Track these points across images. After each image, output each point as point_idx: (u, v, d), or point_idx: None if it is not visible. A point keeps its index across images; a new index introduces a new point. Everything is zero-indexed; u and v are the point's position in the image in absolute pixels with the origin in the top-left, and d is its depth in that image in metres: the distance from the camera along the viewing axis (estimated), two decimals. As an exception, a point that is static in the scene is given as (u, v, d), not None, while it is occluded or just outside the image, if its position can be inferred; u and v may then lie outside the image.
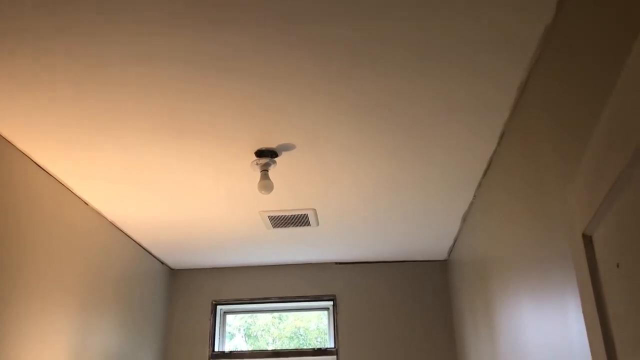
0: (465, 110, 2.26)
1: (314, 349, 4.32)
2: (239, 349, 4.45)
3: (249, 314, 4.73)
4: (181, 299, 4.40)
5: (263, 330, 4.70)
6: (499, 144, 2.53)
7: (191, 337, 4.29)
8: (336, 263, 4.43)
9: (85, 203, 3.11)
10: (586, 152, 1.10)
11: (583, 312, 1.10)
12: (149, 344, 3.94)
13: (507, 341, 2.67)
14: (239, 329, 4.64)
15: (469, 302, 3.57)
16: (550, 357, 2.01)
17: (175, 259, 4.21)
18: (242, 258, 4.24)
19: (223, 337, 4.44)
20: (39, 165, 2.67)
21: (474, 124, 2.37)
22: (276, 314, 4.74)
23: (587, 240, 1.07)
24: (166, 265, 4.34)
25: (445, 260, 4.36)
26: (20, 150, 2.53)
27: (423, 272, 4.37)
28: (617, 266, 0.94)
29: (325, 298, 4.39)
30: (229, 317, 4.57)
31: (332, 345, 4.28)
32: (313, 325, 4.60)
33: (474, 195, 3.11)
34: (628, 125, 0.85)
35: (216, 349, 4.32)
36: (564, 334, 1.86)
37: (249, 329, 4.66)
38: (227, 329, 4.50)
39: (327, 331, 4.40)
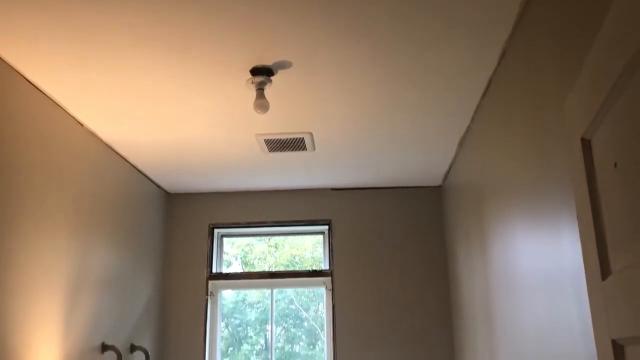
0: (465, 29, 2.21)
1: (309, 270, 4.42)
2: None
3: (246, 242, 4.81)
4: (178, 223, 4.45)
5: (259, 258, 4.79)
6: (499, 63, 2.49)
7: (189, 260, 4.38)
8: (332, 189, 4.46)
9: (80, 123, 3.08)
10: (586, 60, 1.08)
11: (578, 216, 1.12)
12: (147, 267, 4.02)
13: (499, 265, 2.73)
14: (236, 257, 4.73)
15: (462, 227, 3.63)
16: (543, 280, 2.06)
17: (172, 183, 4.23)
18: (239, 183, 4.26)
19: (220, 260, 4.54)
20: (30, 82, 2.62)
21: (475, 43, 2.32)
22: (272, 243, 4.82)
23: (586, 144, 1.07)
24: (162, 189, 4.36)
25: (440, 186, 4.40)
26: (11, 66, 2.47)
27: (418, 198, 4.41)
28: (615, 166, 0.94)
29: (320, 222, 4.45)
30: (226, 244, 4.64)
31: (327, 267, 4.38)
32: (308, 254, 4.69)
33: (472, 119, 3.10)
34: (628, 29, 0.83)
35: (214, 271, 4.42)
36: (557, 258, 1.90)
37: (246, 257, 4.75)
38: (225, 257, 4.58)
39: (322, 259, 4.49)
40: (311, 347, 4.52)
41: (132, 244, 3.75)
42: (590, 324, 1.58)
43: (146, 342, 3.86)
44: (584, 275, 1.63)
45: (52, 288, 2.75)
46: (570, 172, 1.13)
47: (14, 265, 2.45)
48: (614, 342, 1.00)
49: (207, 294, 4.31)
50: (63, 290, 2.85)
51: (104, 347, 3.23)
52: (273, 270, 4.50)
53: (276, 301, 4.51)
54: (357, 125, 3.18)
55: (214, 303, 4.38)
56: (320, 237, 4.60)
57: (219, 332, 4.37)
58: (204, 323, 4.24)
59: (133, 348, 3.62)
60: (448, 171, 4.02)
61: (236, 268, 4.78)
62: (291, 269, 4.69)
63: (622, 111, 0.93)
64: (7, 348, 2.38)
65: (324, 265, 4.45)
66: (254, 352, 4.54)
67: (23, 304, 2.50)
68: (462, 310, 3.70)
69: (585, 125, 1.06)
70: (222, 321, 4.49)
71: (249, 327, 4.61)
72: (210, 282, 4.36)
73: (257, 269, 4.95)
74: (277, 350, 4.46)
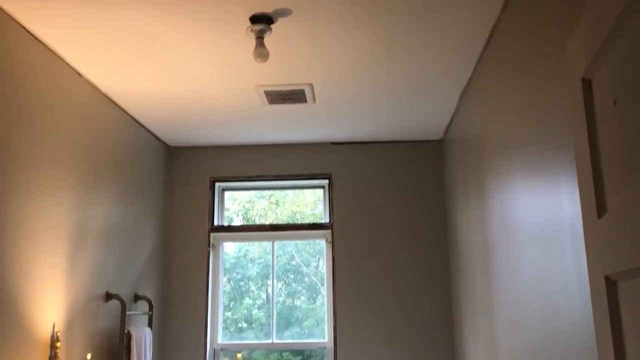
0: (469, -28, 2.17)
1: (309, 223, 4.47)
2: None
3: (247, 199, 4.83)
4: (179, 176, 4.47)
5: (260, 215, 4.82)
6: (501, 13, 2.45)
7: (190, 213, 4.42)
8: (332, 143, 4.46)
9: (79, 74, 3.06)
10: (586, 3, 1.07)
11: (576, 156, 1.13)
12: (150, 219, 4.06)
13: (497, 216, 2.75)
14: (237, 213, 4.76)
15: (462, 180, 3.64)
16: (540, 230, 2.08)
17: (172, 136, 4.23)
18: (239, 136, 4.26)
19: (222, 213, 4.58)
20: (29, 32, 2.59)
21: (478, -11, 2.28)
22: (273, 200, 4.85)
23: (586, 84, 1.06)
24: (163, 142, 4.36)
25: (440, 140, 4.39)
26: (10, 16, 2.44)
27: (418, 152, 4.42)
28: (614, 104, 0.95)
29: (321, 177, 4.47)
30: (227, 201, 4.67)
31: (327, 221, 4.42)
32: (309, 211, 4.72)
33: (474, 70, 3.07)
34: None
35: (215, 224, 4.46)
36: (554, 208, 1.91)
37: (247, 213, 4.78)
38: (226, 213, 4.62)
39: (322, 216, 4.52)
40: (312, 301, 4.60)
41: (133, 196, 3.77)
42: (586, 271, 1.61)
43: (150, 292, 3.93)
44: (581, 225, 1.65)
45: (55, 239, 2.79)
46: (570, 113, 1.13)
47: (15, 216, 2.48)
48: (607, 278, 1.02)
49: (209, 246, 4.37)
50: (66, 241, 2.89)
51: (108, 296, 3.29)
52: (275, 229, 4.54)
53: (277, 257, 4.57)
54: (358, 76, 3.15)
55: (216, 255, 4.44)
56: (321, 194, 4.63)
57: (221, 284, 4.45)
58: (207, 275, 4.31)
59: (137, 297, 3.69)
60: (449, 125, 4.01)
61: (238, 223, 4.82)
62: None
63: (622, 50, 0.93)
64: (14, 297, 2.43)
65: (325, 219, 4.49)
66: (256, 305, 4.62)
67: (27, 255, 2.54)
68: (461, 261, 3.76)
69: (586, 65, 1.06)
70: (225, 276, 4.57)
71: (250, 282, 4.69)
72: (212, 235, 4.41)
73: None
74: (279, 304, 4.54)
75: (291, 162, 4.46)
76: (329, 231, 4.37)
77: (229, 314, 4.54)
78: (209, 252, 4.36)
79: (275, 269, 4.50)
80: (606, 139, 0.98)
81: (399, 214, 4.33)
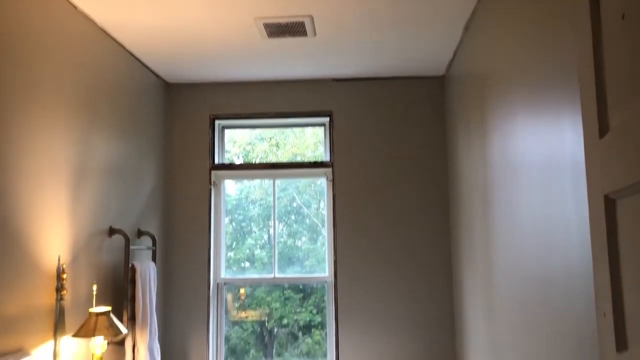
0: None
1: (310, 162, 4.47)
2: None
3: (248, 141, 4.81)
4: (179, 114, 4.44)
5: (261, 158, 4.81)
6: (509, -63, 2.36)
7: (191, 150, 4.41)
8: (333, 79, 4.40)
9: (74, 6, 2.98)
10: None
11: (579, 75, 1.10)
12: (150, 156, 4.06)
13: (498, 153, 2.74)
14: (237, 155, 4.75)
15: (464, 117, 3.61)
16: (541, 168, 2.07)
17: (171, 72, 4.17)
18: (239, 72, 4.20)
19: (222, 151, 4.57)
20: (18, -41, 2.50)
21: None
22: (273, 142, 4.83)
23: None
24: (161, 79, 4.30)
25: (442, 76, 4.33)
26: (-4, -60, 2.35)
27: (420, 88, 4.36)
28: (622, 17, 0.92)
29: (321, 114, 4.44)
30: (227, 144, 4.65)
31: (328, 159, 4.42)
32: (309, 152, 4.71)
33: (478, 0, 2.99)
34: None
35: (216, 162, 4.47)
36: (556, 145, 1.90)
37: (247, 155, 4.77)
38: (226, 155, 4.61)
39: (323, 158, 4.51)
40: (312, 242, 4.66)
41: (133, 133, 3.76)
42: (585, 205, 1.62)
43: (152, 228, 3.98)
44: (582, 161, 1.65)
45: (56, 176, 2.79)
46: (575, 30, 1.10)
47: (16, 154, 2.47)
48: (606, 197, 1.02)
49: (210, 184, 4.39)
50: (67, 178, 2.90)
51: (112, 231, 3.33)
52: (275, 168, 4.54)
53: (278, 199, 4.60)
54: (359, 8, 3.07)
55: (217, 193, 4.47)
56: (321, 136, 4.61)
57: (224, 222, 4.50)
58: (208, 212, 4.35)
59: (140, 233, 3.74)
60: (452, 60, 3.94)
61: (238, 164, 4.84)
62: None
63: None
64: (19, 232, 2.46)
65: (325, 157, 4.49)
66: (258, 246, 4.69)
67: (30, 191, 2.55)
68: (460, 197, 3.78)
69: (595, -20, 1.02)
70: (226, 217, 4.61)
71: (252, 223, 4.74)
72: (213, 173, 4.43)
73: (259, 166, 4.99)
74: (280, 245, 4.60)
75: (292, 99, 4.42)
76: (330, 169, 4.38)
77: (231, 253, 4.62)
78: (210, 189, 4.38)
79: (276, 211, 4.54)
80: (612, 55, 0.96)
81: (400, 151, 4.32)
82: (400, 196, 4.27)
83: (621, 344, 0.99)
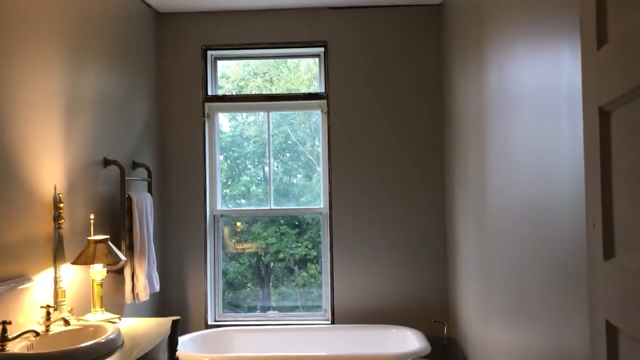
0: None
1: (305, 93, 4.42)
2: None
3: (241, 77, 4.73)
4: (170, 44, 4.35)
5: (255, 92, 4.74)
6: None
7: (183, 82, 4.35)
8: (328, 8, 4.29)
9: None
10: None
11: (580, -13, 1.08)
12: (142, 88, 4.01)
13: (495, 85, 2.72)
14: (231, 91, 4.68)
15: (461, 47, 3.56)
16: (538, 99, 2.06)
17: (161, 0, 4.05)
18: (231, 0, 4.09)
19: (215, 83, 4.51)
20: None
21: None
22: (267, 77, 4.75)
23: None
24: (152, 8, 4.19)
25: (440, 5, 4.23)
26: None
27: (416, 17, 4.27)
28: None
29: (316, 44, 4.36)
30: (220, 79, 4.57)
31: (323, 90, 4.38)
32: (304, 88, 4.65)
33: None
34: None
35: (209, 94, 4.42)
36: (553, 77, 1.88)
37: (241, 91, 4.71)
38: (219, 91, 4.54)
39: (318, 92, 4.45)
40: (308, 179, 4.68)
41: (124, 64, 3.70)
42: (580, 133, 1.62)
43: (147, 160, 3.98)
44: (579, 94, 1.63)
45: (48, 108, 2.76)
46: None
47: (5, 87, 2.43)
48: (600, 109, 1.03)
49: (203, 116, 4.36)
50: (59, 109, 2.86)
51: (107, 162, 3.33)
52: (269, 100, 4.48)
53: (273, 136, 4.57)
54: None
55: (211, 126, 4.44)
56: (316, 70, 4.54)
57: (218, 155, 4.50)
58: (203, 145, 4.34)
59: (135, 165, 3.74)
60: (449, -13, 3.84)
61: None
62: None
63: None
64: (14, 162, 2.46)
65: (320, 88, 4.44)
66: (253, 183, 4.70)
67: (22, 122, 2.53)
68: (456, 128, 3.78)
69: None
70: (221, 154, 4.60)
71: (247, 160, 4.73)
72: (207, 105, 4.39)
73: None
74: (275, 182, 4.62)
75: (286, 29, 4.33)
76: (325, 101, 4.34)
77: (227, 190, 4.64)
78: (204, 122, 4.36)
79: (271, 147, 4.53)
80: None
81: (396, 82, 4.28)
82: (395, 127, 4.27)
83: (608, 252, 1.02)
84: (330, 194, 4.28)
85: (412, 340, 3.72)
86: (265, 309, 4.58)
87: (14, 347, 2.17)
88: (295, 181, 4.71)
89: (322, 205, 4.42)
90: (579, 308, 1.65)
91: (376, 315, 4.18)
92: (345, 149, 4.28)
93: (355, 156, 4.27)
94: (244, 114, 4.76)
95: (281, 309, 4.55)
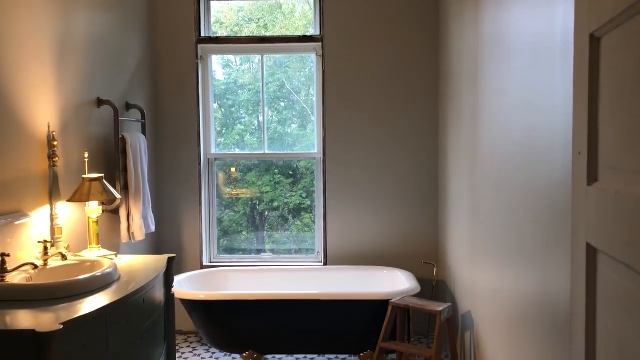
0: None
1: (299, 35, 4.37)
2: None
3: (235, 23, 4.64)
4: (162, -17, 4.26)
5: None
6: None
7: (176, 23, 4.28)
8: (324, -52, 4.19)
9: None
10: None
11: None
12: (135, 29, 3.94)
13: (491, 29, 2.69)
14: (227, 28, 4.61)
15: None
16: (533, 44, 2.05)
17: (152, -63, 3.94)
18: (224, -62, 3.98)
19: (209, 25, 4.44)
20: None
21: None
22: (261, 23, 4.66)
23: None
24: (143, -55, 4.08)
25: (438, -54, 4.13)
26: None
27: (414, -42, 4.18)
28: None
29: (311, -15, 4.27)
30: (214, 24, 4.49)
31: (318, 33, 4.32)
32: (299, 34, 4.57)
33: None
34: None
35: (202, 35, 4.36)
36: (548, 21, 1.86)
37: (237, 35, 4.62)
38: (213, 29, 4.47)
39: (312, 35, 4.39)
40: (302, 128, 4.67)
41: (116, 4, 3.63)
42: (570, 81, 1.63)
43: (141, 102, 3.96)
44: (572, 39, 1.62)
45: (39, 48, 2.72)
46: None
47: (-4, 8, 2.39)
48: (591, 36, 1.03)
49: (197, 58, 4.31)
50: (50, 49, 2.83)
51: (100, 102, 3.32)
52: (264, 42, 4.41)
53: (267, 84, 4.53)
54: None
55: (205, 68, 4.40)
56: (311, 16, 4.46)
57: (212, 99, 4.47)
58: (196, 87, 4.31)
59: (129, 106, 3.73)
60: None
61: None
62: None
63: None
64: (7, 100, 2.44)
65: (315, 30, 4.38)
66: (248, 132, 4.69)
67: (13, 62, 2.50)
68: (450, 73, 3.77)
69: None
70: (215, 102, 4.56)
71: (241, 109, 4.70)
72: (200, 46, 4.33)
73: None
74: (270, 131, 4.60)
75: (280, -31, 4.23)
76: (319, 44, 4.29)
77: (221, 139, 4.63)
78: (197, 64, 4.31)
79: (265, 96, 4.50)
80: None
81: (391, 26, 4.22)
82: (390, 70, 4.24)
83: (592, 177, 1.05)
84: (324, 139, 4.29)
85: (402, 280, 3.82)
86: (259, 252, 4.67)
87: (13, 279, 2.23)
88: (290, 131, 4.70)
89: (316, 151, 4.43)
90: (564, 247, 1.69)
91: (368, 258, 4.28)
92: (339, 94, 4.26)
93: (349, 101, 4.26)
94: (238, 61, 4.71)
95: (275, 252, 4.64)
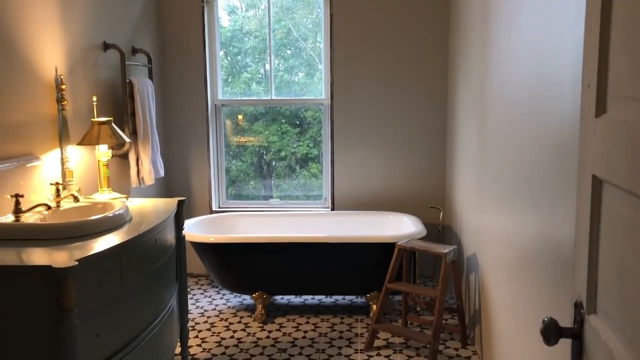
0: None
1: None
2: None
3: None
4: None
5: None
6: None
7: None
8: None
9: None
10: None
11: None
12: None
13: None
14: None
15: None
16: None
17: None
18: None
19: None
20: None
21: None
22: None
23: None
24: None
25: None
26: None
27: None
28: None
29: None
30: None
31: (325, -25, 4.22)
32: None
33: None
34: None
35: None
36: None
37: None
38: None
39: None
40: (309, 77, 4.61)
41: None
42: (583, 22, 1.59)
43: (147, 46, 3.93)
44: None
45: (43, -20, 2.69)
46: None
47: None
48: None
49: (202, 1, 4.24)
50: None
51: (106, 46, 3.30)
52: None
53: (273, 31, 4.45)
54: None
55: (210, 12, 4.34)
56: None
57: (218, 46, 4.42)
58: (202, 32, 4.26)
59: (135, 51, 3.70)
60: None
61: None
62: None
63: None
64: (14, 43, 2.43)
65: (322, -27, 4.28)
66: (254, 81, 4.63)
67: (18, 4, 2.48)
68: (460, 17, 3.69)
69: None
70: (221, 50, 4.50)
71: (247, 57, 4.63)
72: (205, -12, 4.26)
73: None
74: (277, 79, 4.55)
75: None
76: (327, -14, 4.20)
77: (227, 88, 4.59)
78: (202, 7, 4.25)
79: (272, 41, 4.43)
80: None
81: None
82: (399, 16, 4.16)
83: (600, 109, 1.05)
84: (331, 85, 4.26)
85: (408, 224, 3.86)
86: (267, 198, 4.72)
87: (27, 220, 2.27)
88: (296, 79, 4.65)
89: (323, 96, 4.41)
90: (570, 189, 1.70)
91: (375, 204, 4.31)
92: (347, 37, 4.20)
93: (357, 45, 4.20)
94: (244, 7, 4.62)
95: (282, 198, 4.68)
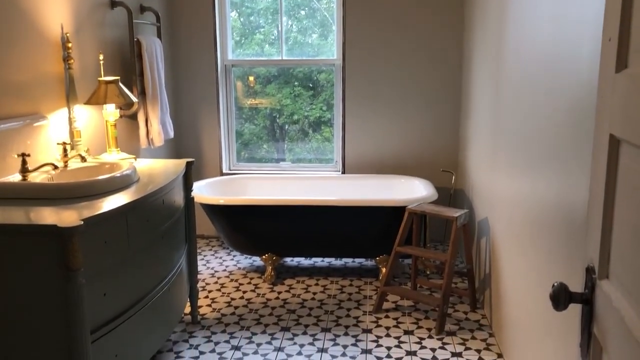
0: None
1: None
2: None
3: None
4: None
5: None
6: None
7: None
8: None
9: None
10: None
11: None
12: None
13: None
14: None
15: None
16: None
17: None
18: None
19: None
20: None
21: None
22: None
23: None
24: None
25: None
26: None
27: None
28: None
29: None
30: None
31: None
32: None
33: None
34: None
35: None
36: None
37: None
38: None
39: None
40: (323, 38, 4.50)
41: None
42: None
43: (155, 4, 3.85)
44: None
45: None
46: None
47: None
48: None
49: (212, -41, 4.13)
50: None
51: (113, 3, 3.23)
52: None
53: None
54: None
55: (221, -30, 4.23)
56: None
57: (228, 4, 4.32)
58: (212, -9, 4.17)
59: (143, 9, 3.63)
60: None
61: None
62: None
63: None
64: (16, 5, 2.38)
65: None
66: (267, 42, 4.53)
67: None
68: (477, -27, 3.57)
69: None
70: (234, 10, 4.39)
71: (260, 18, 4.51)
72: (215, -55, 4.14)
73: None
74: (290, 41, 4.45)
75: None
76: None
77: (240, 50, 4.50)
78: (213, -36, 4.14)
79: (285, 1, 4.31)
80: None
81: None
82: (413, -27, 4.03)
83: (621, 64, 0.99)
84: (343, 44, 4.16)
85: (419, 187, 3.82)
86: (278, 161, 4.68)
87: (35, 179, 2.27)
88: (310, 41, 4.55)
89: (335, 57, 4.32)
90: (585, 153, 1.65)
91: (386, 168, 4.27)
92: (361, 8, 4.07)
93: (369, 3, 4.08)
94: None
95: (294, 161, 4.65)
